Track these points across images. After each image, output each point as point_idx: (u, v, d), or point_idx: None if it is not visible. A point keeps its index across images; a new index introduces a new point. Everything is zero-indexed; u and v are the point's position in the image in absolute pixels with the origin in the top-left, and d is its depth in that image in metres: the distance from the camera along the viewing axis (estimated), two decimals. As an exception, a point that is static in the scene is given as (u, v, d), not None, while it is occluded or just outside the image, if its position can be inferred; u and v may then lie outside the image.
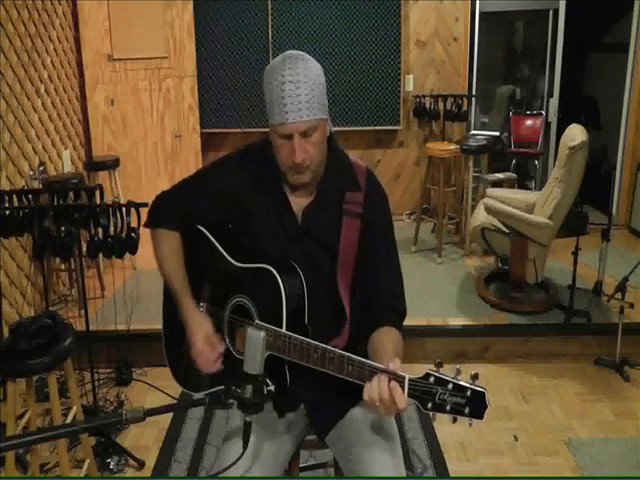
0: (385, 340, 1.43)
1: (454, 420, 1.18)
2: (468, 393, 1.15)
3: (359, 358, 1.27)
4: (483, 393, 1.15)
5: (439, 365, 1.19)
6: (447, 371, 1.19)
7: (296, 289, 1.45)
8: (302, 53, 1.42)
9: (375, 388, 1.21)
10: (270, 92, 1.39)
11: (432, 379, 1.18)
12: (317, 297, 1.48)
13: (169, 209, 1.64)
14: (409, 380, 1.20)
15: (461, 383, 1.16)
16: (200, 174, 1.68)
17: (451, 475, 2.53)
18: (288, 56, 1.40)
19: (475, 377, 1.17)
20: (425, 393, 1.18)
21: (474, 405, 1.15)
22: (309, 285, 1.47)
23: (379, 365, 1.24)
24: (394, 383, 1.20)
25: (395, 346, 1.41)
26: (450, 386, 1.16)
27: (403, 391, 1.19)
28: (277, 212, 1.54)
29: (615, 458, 2.60)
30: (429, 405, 1.18)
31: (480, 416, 1.16)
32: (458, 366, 1.18)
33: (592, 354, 3.38)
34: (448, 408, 1.17)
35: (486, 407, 1.15)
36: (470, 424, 1.17)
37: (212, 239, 1.63)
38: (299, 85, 1.36)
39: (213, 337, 1.54)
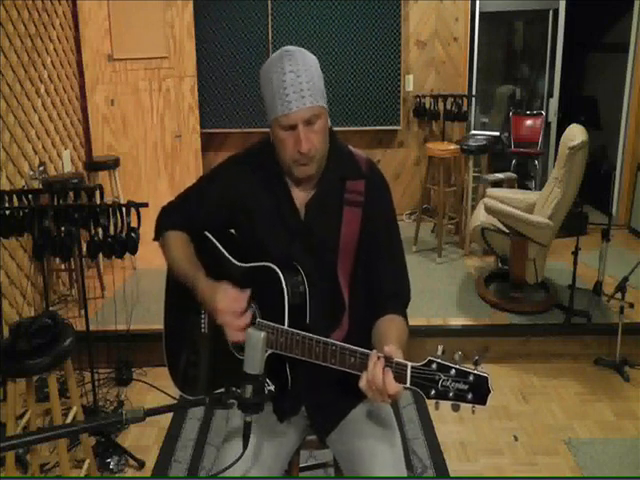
0: (388, 328, 1.43)
1: (457, 408, 1.18)
2: (471, 378, 1.16)
3: (361, 349, 1.28)
4: (486, 378, 1.16)
5: (442, 353, 1.20)
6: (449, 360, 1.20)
7: (298, 286, 1.45)
8: (298, 47, 1.44)
9: (370, 375, 1.23)
10: (270, 86, 1.40)
11: (434, 365, 1.19)
12: (318, 289, 1.48)
13: (172, 219, 1.66)
14: (411, 367, 1.21)
15: (463, 368, 1.17)
16: (200, 183, 1.68)
17: (451, 475, 2.53)
18: (285, 50, 1.42)
19: (477, 362, 1.18)
20: (428, 380, 1.19)
21: (477, 391, 1.16)
22: (310, 278, 1.47)
23: (381, 355, 1.25)
24: (387, 369, 1.22)
25: (399, 333, 1.41)
26: (453, 372, 1.17)
27: (406, 379, 1.20)
28: (280, 210, 1.54)
29: (615, 458, 2.60)
30: (432, 393, 1.19)
31: (483, 402, 1.16)
32: (460, 352, 1.19)
33: (592, 354, 3.38)
34: (451, 395, 1.17)
35: (489, 392, 1.15)
36: (473, 411, 1.17)
37: (215, 242, 1.64)
38: (299, 74, 1.38)
39: (233, 291, 1.44)
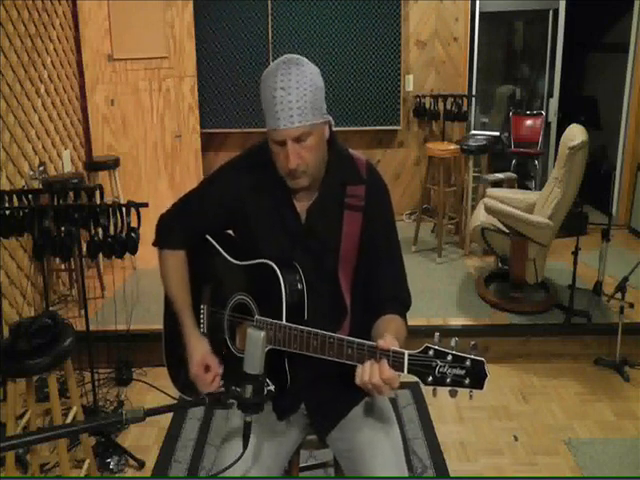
0: (387, 325, 1.43)
1: (454, 394, 1.19)
2: (467, 363, 1.17)
3: (358, 340, 1.29)
4: (482, 362, 1.17)
5: (439, 340, 1.21)
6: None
7: (296, 284, 1.45)
8: (298, 57, 1.40)
9: (367, 372, 1.24)
10: (265, 98, 1.39)
11: (431, 352, 1.20)
12: (319, 293, 1.49)
13: (174, 229, 1.66)
14: (408, 355, 1.21)
15: (460, 354, 1.18)
16: (202, 188, 1.68)
17: (451, 475, 2.53)
18: (283, 61, 1.39)
19: (474, 347, 1.19)
20: (425, 367, 1.20)
21: (474, 375, 1.17)
22: (311, 282, 1.47)
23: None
24: (382, 362, 1.23)
25: (397, 329, 1.41)
26: (449, 357, 1.18)
27: (403, 367, 1.21)
28: (281, 213, 1.54)
29: (615, 458, 2.60)
30: (429, 379, 1.20)
31: (480, 386, 1.17)
32: (456, 338, 1.20)
33: (592, 354, 3.38)
34: (448, 381, 1.18)
35: (486, 376, 1.17)
36: (471, 396, 1.18)
37: (214, 242, 1.64)
38: (290, 92, 1.35)
39: (208, 358, 1.55)
